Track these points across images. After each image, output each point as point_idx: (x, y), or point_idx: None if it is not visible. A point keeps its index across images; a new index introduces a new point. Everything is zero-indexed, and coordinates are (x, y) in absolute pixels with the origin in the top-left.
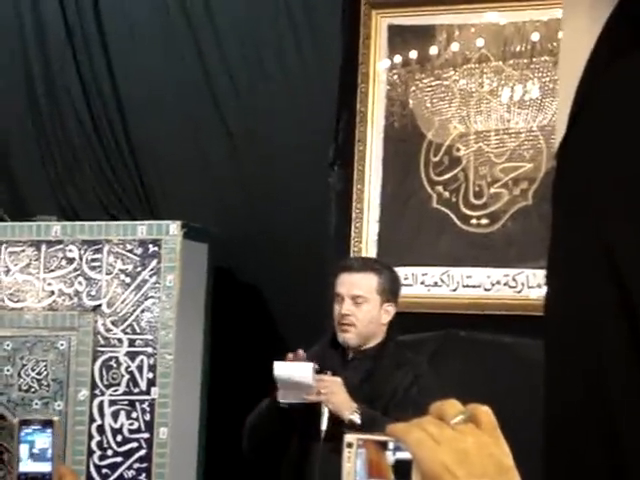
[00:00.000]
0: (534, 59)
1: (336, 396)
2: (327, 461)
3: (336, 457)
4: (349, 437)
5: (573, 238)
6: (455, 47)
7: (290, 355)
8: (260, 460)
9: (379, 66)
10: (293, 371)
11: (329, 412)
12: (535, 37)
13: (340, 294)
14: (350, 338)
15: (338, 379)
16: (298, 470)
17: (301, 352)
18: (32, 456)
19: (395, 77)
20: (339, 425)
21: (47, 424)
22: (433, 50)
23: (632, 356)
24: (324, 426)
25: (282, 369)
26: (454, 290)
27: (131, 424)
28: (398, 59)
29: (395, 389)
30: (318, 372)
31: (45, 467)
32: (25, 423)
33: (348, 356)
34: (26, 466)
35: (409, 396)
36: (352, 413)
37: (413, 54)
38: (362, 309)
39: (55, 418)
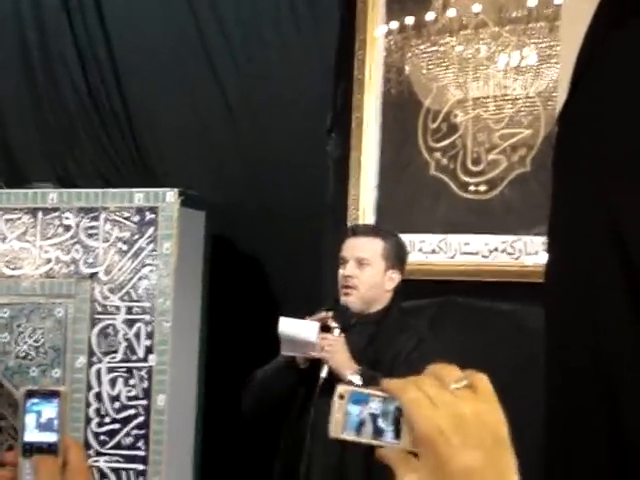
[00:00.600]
0: (530, 25)
1: (338, 354)
2: (321, 411)
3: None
4: (341, 388)
5: (574, 204)
6: (452, 13)
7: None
8: (261, 418)
9: (376, 33)
10: (298, 328)
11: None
12: (532, 2)
13: (344, 257)
14: (352, 302)
15: (341, 338)
16: (297, 420)
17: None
18: (38, 426)
19: (392, 44)
20: (338, 381)
21: (54, 394)
22: (430, 16)
23: (632, 322)
24: (324, 373)
25: (287, 325)
26: (452, 257)
27: (129, 391)
28: (395, 25)
29: (398, 353)
30: (324, 331)
31: (51, 437)
32: (31, 393)
33: (351, 320)
34: (32, 435)
35: (411, 359)
36: (353, 373)
37: (410, 20)
38: (365, 272)
39: (62, 388)
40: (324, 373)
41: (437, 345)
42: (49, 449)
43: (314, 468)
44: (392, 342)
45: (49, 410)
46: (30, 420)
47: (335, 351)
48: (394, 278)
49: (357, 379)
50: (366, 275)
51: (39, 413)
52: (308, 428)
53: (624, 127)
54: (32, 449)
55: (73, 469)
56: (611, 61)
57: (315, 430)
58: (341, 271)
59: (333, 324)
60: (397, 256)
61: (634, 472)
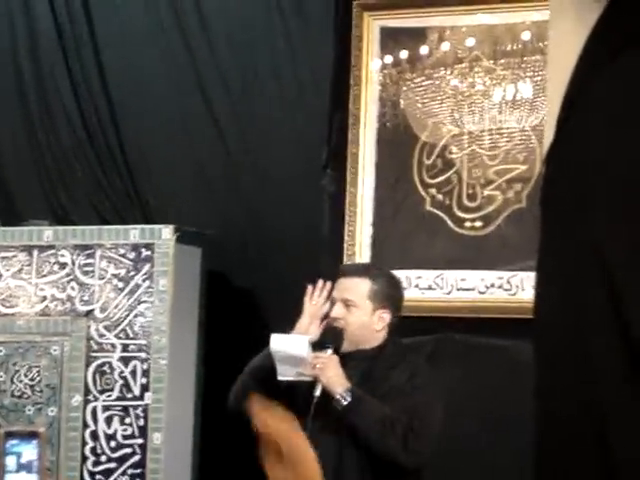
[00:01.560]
0: (525, 58)
1: (330, 371)
2: (315, 430)
3: (324, 425)
4: None
5: (562, 242)
6: (446, 47)
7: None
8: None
9: (371, 67)
10: (289, 344)
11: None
12: (526, 36)
13: (333, 298)
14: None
15: (334, 356)
16: None
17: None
18: (19, 468)
19: (387, 78)
20: (331, 399)
21: (32, 435)
22: (424, 50)
23: (623, 363)
24: (317, 392)
25: (278, 342)
26: (448, 293)
27: (125, 430)
28: (389, 60)
29: (390, 387)
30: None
31: (31, 478)
32: (10, 435)
33: (346, 358)
34: (12, 477)
35: (401, 390)
36: (344, 390)
37: (404, 54)
38: (352, 314)
39: (41, 429)
40: (318, 392)
41: (430, 378)
42: None
43: None
44: (386, 378)
45: (29, 451)
46: (10, 462)
47: (327, 368)
48: (384, 318)
49: (347, 395)
50: (353, 317)
51: (19, 455)
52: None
53: (609, 167)
54: None
55: None
56: (599, 97)
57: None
58: (331, 311)
59: (326, 344)
60: (387, 296)
61: None
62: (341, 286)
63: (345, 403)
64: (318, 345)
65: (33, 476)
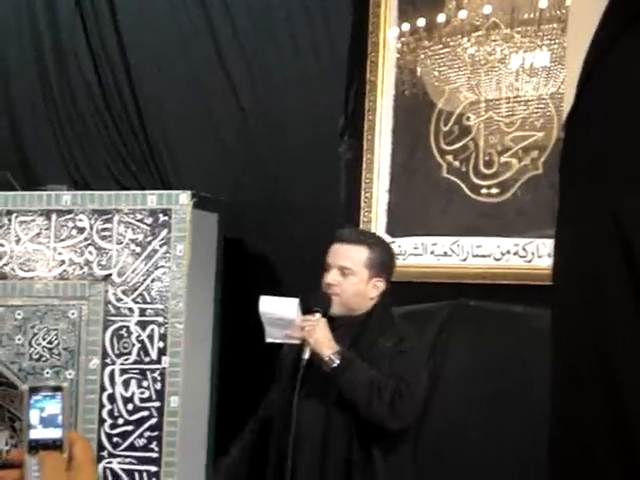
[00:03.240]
0: (542, 26)
1: (318, 334)
2: (303, 392)
3: (312, 388)
4: None
5: (581, 208)
6: (463, 14)
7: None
8: None
9: (389, 35)
10: (278, 306)
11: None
12: (543, 4)
13: (329, 263)
14: (333, 307)
15: (323, 319)
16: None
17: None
18: (42, 422)
19: (404, 45)
20: (318, 361)
21: (56, 390)
22: (441, 18)
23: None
24: (306, 355)
25: (267, 304)
26: (464, 260)
27: (142, 393)
28: (407, 27)
29: (377, 352)
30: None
31: (56, 433)
32: (34, 390)
33: (335, 324)
34: (36, 432)
35: (389, 354)
36: (333, 353)
37: (421, 22)
38: (348, 280)
39: (64, 384)
40: (306, 355)
41: (417, 344)
42: (54, 445)
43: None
44: (374, 343)
45: (53, 406)
46: (34, 417)
47: (315, 330)
48: (378, 286)
49: (336, 358)
50: (349, 283)
51: (43, 409)
52: (293, 409)
53: (630, 133)
54: (37, 446)
55: (79, 464)
56: (619, 63)
57: (300, 410)
58: (325, 276)
59: (314, 308)
60: (382, 264)
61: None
62: (337, 252)
63: (334, 365)
64: (306, 310)
65: (57, 430)
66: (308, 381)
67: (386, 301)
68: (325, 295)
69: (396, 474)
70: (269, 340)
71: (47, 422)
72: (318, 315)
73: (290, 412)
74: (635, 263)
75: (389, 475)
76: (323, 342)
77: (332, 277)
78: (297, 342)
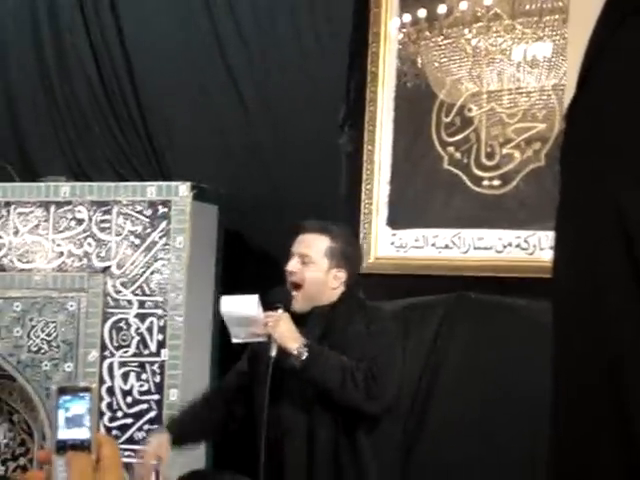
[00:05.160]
0: (544, 18)
1: (282, 327)
2: (278, 389)
3: (288, 384)
4: None
5: (582, 201)
6: (464, 5)
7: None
8: None
9: (390, 26)
10: (238, 304)
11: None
12: None
13: (291, 252)
14: (295, 304)
15: (286, 314)
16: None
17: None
18: (70, 423)
19: (406, 36)
20: (286, 357)
21: (85, 391)
22: (442, 9)
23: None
24: (273, 352)
25: (228, 303)
26: (465, 252)
27: (141, 386)
28: (408, 18)
29: (348, 337)
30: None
31: (83, 434)
32: (63, 390)
33: (301, 318)
34: (64, 433)
35: (359, 338)
36: (300, 346)
37: (423, 13)
38: (307, 269)
39: (93, 385)
40: (274, 352)
41: (388, 325)
42: (82, 445)
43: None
44: (344, 330)
45: (80, 407)
46: (62, 417)
47: (279, 325)
48: (339, 277)
49: (304, 351)
50: (309, 272)
51: (71, 410)
52: (264, 398)
53: (632, 124)
54: (65, 446)
55: (106, 465)
56: (620, 53)
57: (281, 406)
58: (288, 264)
59: (276, 304)
60: (344, 255)
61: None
62: (300, 241)
63: (303, 358)
64: (268, 306)
65: (85, 431)
66: (280, 378)
67: (354, 291)
68: (287, 290)
69: (383, 454)
70: (235, 341)
71: (75, 423)
72: (280, 311)
73: (269, 410)
74: (636, 257)
75: (375, 455)
76: (288, 336)
77: (292, 264)
78: (263, 339)
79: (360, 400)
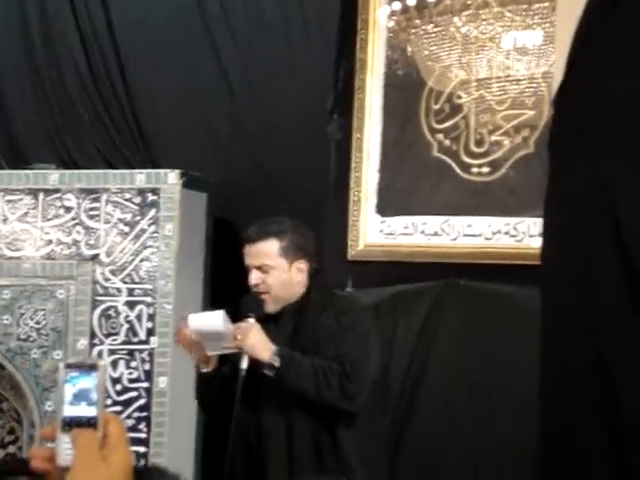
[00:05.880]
0: (533, 5)
1: (251, 338)
2: (245, 399)
3: (254, 396)
4: None
5: (570, 185)
6: None
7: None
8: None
9: (379, 13)
10: (206, 320)
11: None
12: None
13: (248, 266)
14: (268, 307)
15: (255, 324)
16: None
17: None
18: (76, 400)
19: (395, 24)
20: (260, 367)
21: (92, 368)
22: None
23: (629, 305)
24: (244, 365)
25: (195, 321)
26: (454, 239)
27: (130, 373)
28: (397, 6)
29: (321, 332)
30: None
31: (90, 411)
32: (69, 367)
33: (273, 318)
34: (70, 409)
35: (330, 333)
36: (271, 355)
37: (412, 1)
38: (271, 276)
39: (101, 362)
40: (244, 364)
41: (359, 316)
42: (88, 423)
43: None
44: (316, 322)
45: (87, 383)
46: (69, 394)
47: (248, 336)
48: (302, 268)
49: (276, 360)
50: (271, 278)
51: (77, 387)
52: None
53: (621, 107)
54: (71, 423)
55: (113, 443)
56: (608, 39)
57: (239, 422)
58: (249, 279)
59: (247, 314)
60: (297, 247)
61: (630, 457)
62: (251, 253)
63: (276, 366)
64: (241, 316)
65: (92, 408)
66: (259, 382)
67: (321, 280)
68: (255, 296)
69: (368, 444)
70: (210, 353)
71: (81, 400)
72: (252, 320)
73: (248, 415)
74: (624, 243)
75: (359, 447)
76: (259, 347)
77: (255, 277)
78: (235, 351)
79: (336, 400)
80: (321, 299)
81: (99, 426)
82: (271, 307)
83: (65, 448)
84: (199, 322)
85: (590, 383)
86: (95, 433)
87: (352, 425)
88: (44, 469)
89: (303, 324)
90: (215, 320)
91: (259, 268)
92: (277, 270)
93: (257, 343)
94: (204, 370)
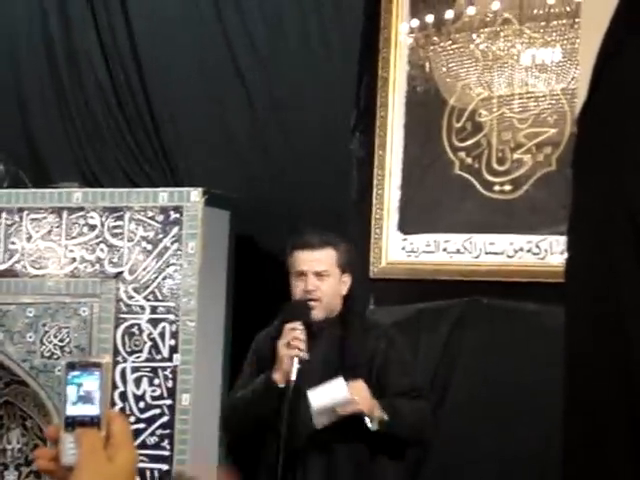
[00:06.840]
0: (551, 22)
1: (367, 400)
2: (293, 412)
3: (301, 408)
4: None
5: (594, 204)
6: (472, 11)
7: None
8: (245, 439)
9: (401, 30)
10: (329, 394)
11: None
12: (551, 0)
13: (303, 271)
14: (317, 313)
15: (362, 383)
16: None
17: None
18: (80, 399)
19: (413, 41)
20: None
21: (95, 366)
22: (449, 14)
23: None
24: (293, 377)
25: (318, 397)
26: (477, 257)
27: (153, 391)
28: (415, 23)
29: (373, 354)
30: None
31: (93, 410)
32: (72, 366)
33: (313, 329)
34: (73, 409)
35: (389, 359)
36: (380, 412)
37: (430, 18)
38: (326, 283)
39: (104, 360)
40: (293, 376)
41: (404, 341)
42: (91, 422)
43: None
44: (361, 342)
45: (90, 382)
46: (71, 393)
47: (363, 397)
48: (346, 282)
49: (385, 415)
50: (327, 285)
51: (80, 386)
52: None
53: None
54: (74, 423)
55: (117, 442)
56: (633, 58)
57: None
58: (299, 284)
59: (297, 323)
60: (348, 261)
61: None
62: (309, 259)
63: (385, 419)
64: (287, 321)
65: (95, 407)
66: (298, 403)
67: (353, 297)
68: (301, 303)
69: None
70: (320, 427)
71: (85, 399)
72: (298, 323)
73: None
74: None
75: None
76: (373, 406)
77: (312, 283)
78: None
79: (432, 435)
80: (361, 319)
81: (102, 425)
82: (320, 314)
83: (69, 448)
84: (323, 397)
85: (614, 394)
86: (98, 432)
87: (394, 451)
88: (49, 469)
89: (348, 343)
90: (340, 390)
91: (317, 274)
92: (333, 278)
93: (371, 403)
94: (282, 385)
